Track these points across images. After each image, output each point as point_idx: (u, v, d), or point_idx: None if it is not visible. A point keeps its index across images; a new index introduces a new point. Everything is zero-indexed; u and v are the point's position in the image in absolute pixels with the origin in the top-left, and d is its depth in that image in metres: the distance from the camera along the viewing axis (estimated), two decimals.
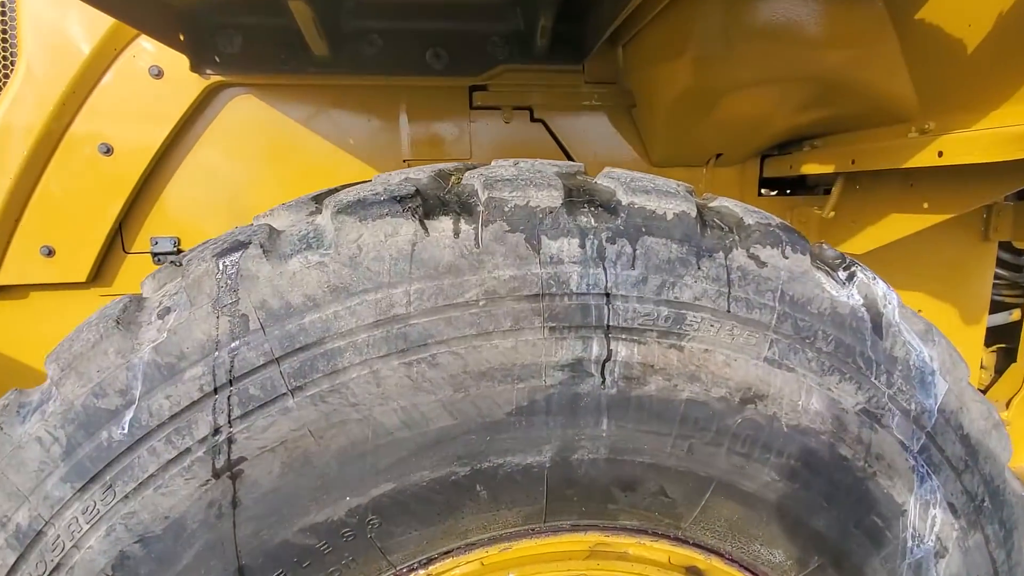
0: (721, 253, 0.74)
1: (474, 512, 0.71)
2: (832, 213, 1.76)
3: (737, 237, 0.76)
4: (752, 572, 0.83)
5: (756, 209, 0.80)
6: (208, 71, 1.44)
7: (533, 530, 0.76)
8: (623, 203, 0.73)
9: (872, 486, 0.81)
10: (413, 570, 0.73)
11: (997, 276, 2.53)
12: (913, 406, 0.82)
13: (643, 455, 0.73)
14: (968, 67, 1.14)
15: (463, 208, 0.71)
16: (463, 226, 0.69)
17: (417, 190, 0.71)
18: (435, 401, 0.67)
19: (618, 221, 0.72)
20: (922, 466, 0.83)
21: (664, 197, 0.74)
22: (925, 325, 0.86)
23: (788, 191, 1.92)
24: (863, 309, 0.80)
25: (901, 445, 0.82)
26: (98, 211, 1.45)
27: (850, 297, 0.80)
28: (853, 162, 1.42)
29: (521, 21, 1.46)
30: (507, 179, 0.72)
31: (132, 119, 1.44)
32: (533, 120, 1.61)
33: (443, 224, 0.69)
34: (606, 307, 0.70)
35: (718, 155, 1.68)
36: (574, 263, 0.70)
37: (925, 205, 1.41)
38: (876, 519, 0.82)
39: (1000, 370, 2.59)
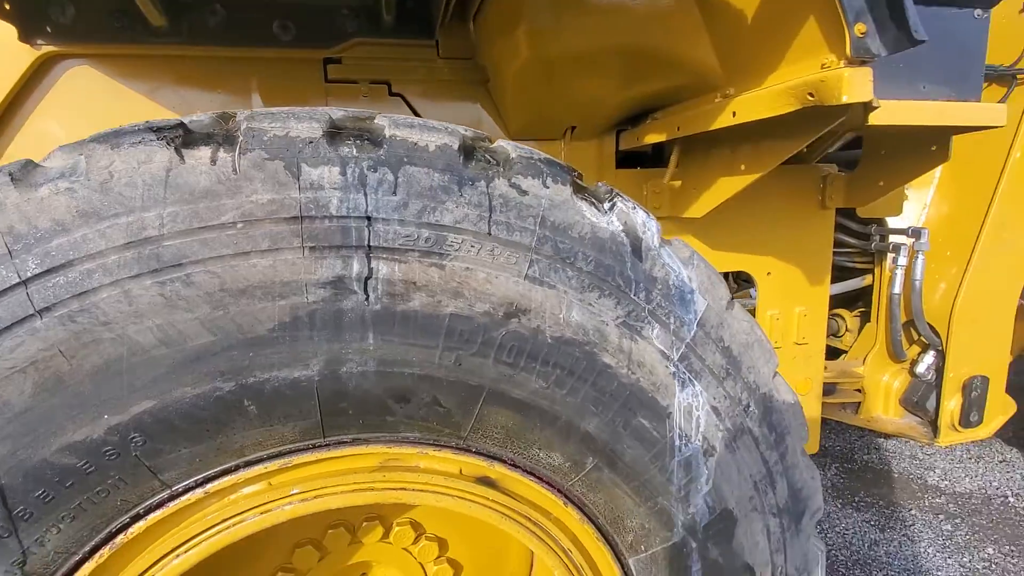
0: (483, 182, 0.82)
1: (245, 428, 0.75)
2: (678, 183, 1.92)
3: (501, 168, 0.84)
4: (536, 476, 0.91)
5: (525, 147, 0.88)
6: (39, 41, 1.40)
7: (314, 445, 0.80)
8: (387, 136, 0.79)
9: (636, 391, 0.91)
10: (190, 489, 0.76)
11: (847, 245, 2.81)
12: (672, 320, 0.93)
13: (413, 367, 0.79)
14: (754, 33, 1.28)
15: (225, 139, 0.74)
16: (221, 154, 0.73)
17: (181, 123, 0.74)
18: (193, 319, 0.70)
19: (380, 151, 0.78)
20: (683, 373, 0.94)
21: (428, 131, 0.81)
22: (689, 252, 0.97)
23: (646, 165, 2.06)
24: (623, 234, 0.90)
25: (662, 354, 0.92)
26: None
27: (610, 223, 0.89)
28: (678, 128, 1.56)
29: None
30: (271, 113, 0.76)
31: None
32: (392, 94, 1.66)
33: (201, 153, 0.73)
34: (367, 229, 0.76)
35: (573, 128, 1.79)
36: (335, 189, 0.75)
37: (742, 167, 1.56)
38: (643, 421, 0.92)
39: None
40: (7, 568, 0.70)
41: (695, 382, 0.95)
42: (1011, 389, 4.88)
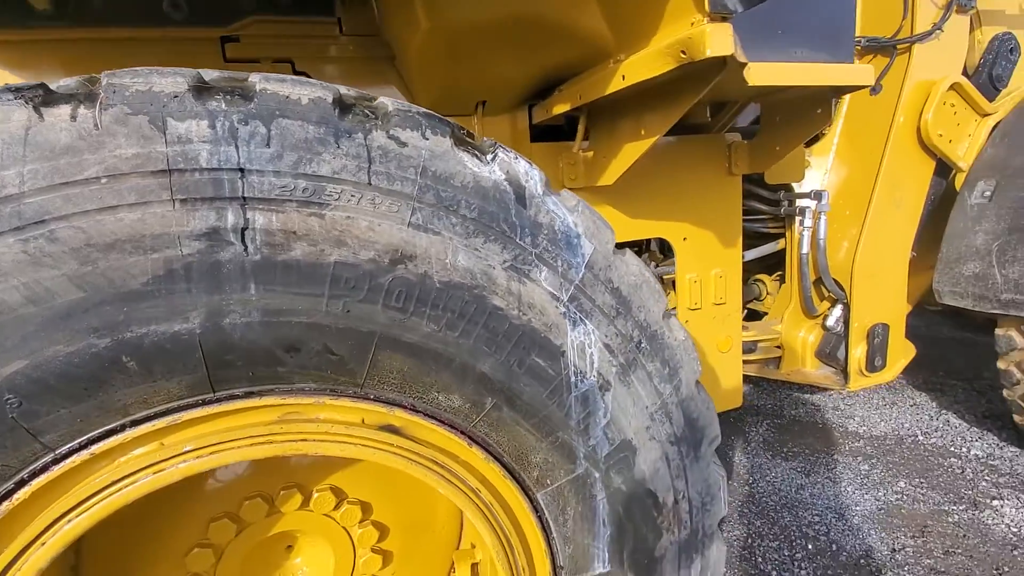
0: (361, 134, 0.84)
1: (127, 385, 0.75)
2: (590, 153, 2.00)
3: (379, 121, 0.87)
4: (438, 420, 0.95)
5: (403, 103, 0.91)
6: None
7: (205, 400, 0.80)
8: (258, 90, 0.80)
9: (528, 331, 0.96)
10: (75, 452, 0.75)
11: (760, 212, 2.98)
12: (560, 263, 0.98)
13: (299, 316, 0.81)
14: None
15: (87, 97, 0.74)
16: (82, 111, 0.72)
17: (42, 84, 0.73)
18: (60, 275, 0.70)
19: (251, 105, 0.79)
20: (574, 313, 1.00)
21: (301, 86, 0.83)
22: (575, 200, 1.03)
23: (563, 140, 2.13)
24: (505, 183, 0.94)
25: (551, 296, 0.97)
26: None
27: (492, 173, 0.93)
28: (580, 97, 1.63)
29: None
30: (133, 71, 0.76)
31: None
32: (296, 73, 1.65)
33: (61, 111, 0.72)
34: (240, 181, 0.77)
35: (483, 103, 1.83)
36: (204, 142, 0.76)
37: (643, 132, 1.65)
38: (538, 360, 0.97)
39: None
40: None
41: (586, 321, 1.01)
42: (923, 339, 5.30)
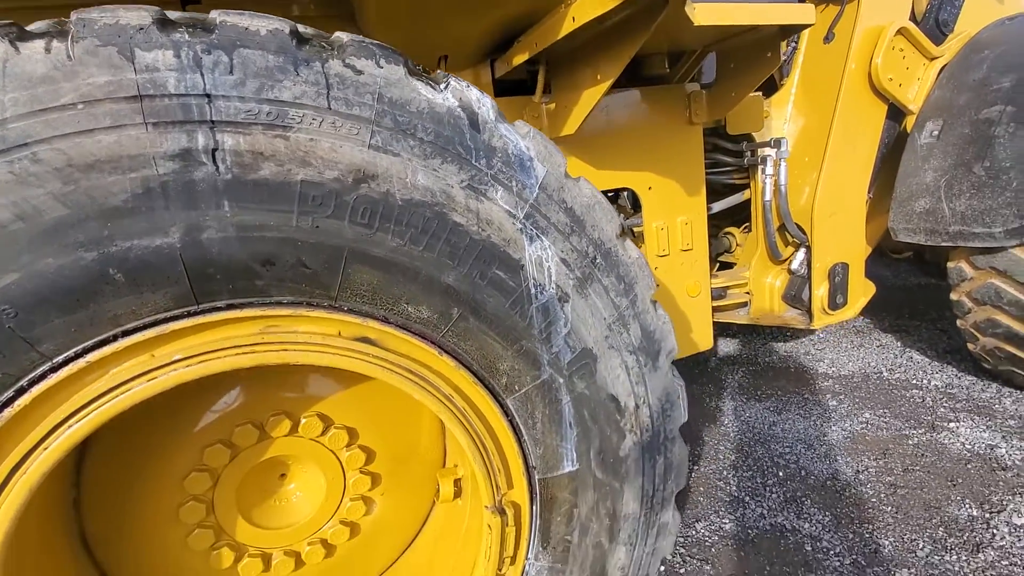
0: (318, 63, 0.91)
1: (116, 296, 0.82)
2: (552, 105, 2.06)
3: (335, 52, 0.93)
4: (410, 331, 1.03)
5: (359, 36, 0.97)
6: None
7: (190, 312, 0.87)
8: (217, 22, 0.86)
9: (488, 246, 1.04)
10: (71, 360, 0.82)
11: (725, 164, 3.08)
12: (515, 184, 1.06)
13: (272, 230, 0.88)
14: None
15: (59, 32, 0.79)
16: (55, 44, 0.78)
17: (13, 23, 0.78)
18: (45, 194, 0.76)
19: (213, 36, 0.85)
20: (530, 229, 1.08)
21: (259, 18, 0.88)
22: (527, 128, 1.10)
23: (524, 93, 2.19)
24: (459, 109, 1.01)
25: (508, 213, 1.05)
26: None
27: (446, 100, 1.00)
28: (536, 45, 1.70)
29: None
30: (100, 7, 0.81)
31: None
32: None
33: (35, 44, 0.77)
34: (208, 105, 0.83)
35: (445, 58, 1.89)
36: (170, 70, 0.82)
37: (599, 76, 1.72)
38: (499, 272, 1.06)
39: None
40: None
41: (542, 237, 1.09)
42: (891, 287, 5.48)
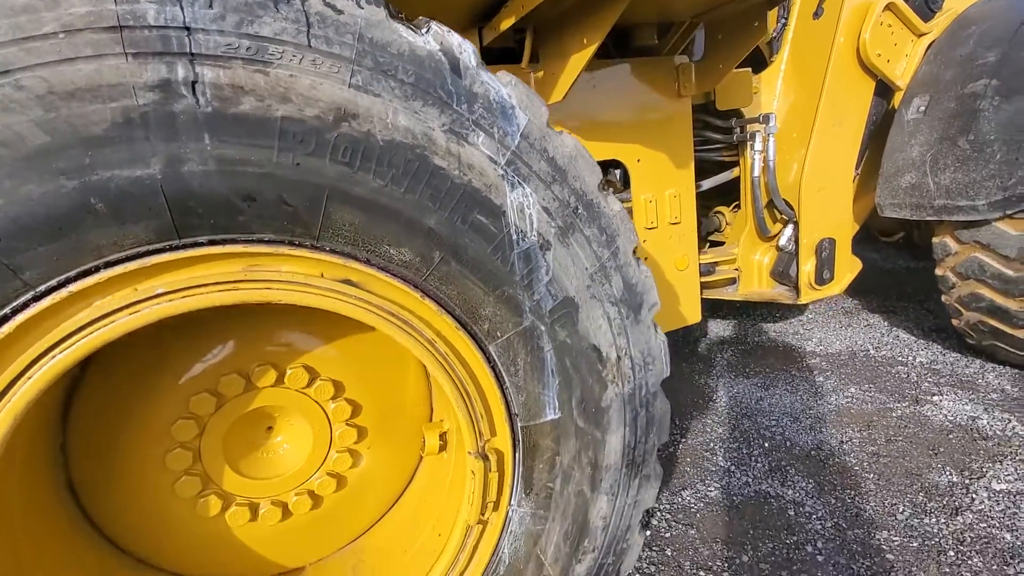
0: (298, 1, 0.91)
1: (98, 226, 0.83)
2: (540, 73, 2.07)
3: None
4: (392, 273, 1.04)
5: None
6: None
7: (172, 246, 0.88)
8: None
9: (470, 190, 1.05)
10: (54, 290, 0.83)
11: (714, 141, 3.09)
12: (496, 130, 1.07)
13: (253, 166, 0.89)
14: None
15: None
16: None
17: None
18: (27, 120, 0.77)
19: None
20: (512, 176, 1.09)
21: None
22: (509, 77, 1.11)
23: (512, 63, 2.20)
24: (440, 53, 1.02)
25: (489, 159, 1.07)
26: None
27: (427, 43, 1.01)
28: (523, 7, 1.70)
29: None
30: None
31: None
32: None
33: None
34: (187, 38, 0.83)
35: None
36: (150, 2, 0.82)
37: (584, 40, 1.73)
38: (480, 217, 1.07)
39: None
40: None
41: (524, 184, 1.11)
42: (880, 270, 5.53)
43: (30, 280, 0.81)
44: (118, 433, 1.18)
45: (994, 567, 1.83)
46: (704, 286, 3.08)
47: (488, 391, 1.17)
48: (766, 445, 2.65)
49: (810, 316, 4.34)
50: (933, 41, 2.90)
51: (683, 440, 2.76)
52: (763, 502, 2.26)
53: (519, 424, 1.21)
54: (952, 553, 1.91)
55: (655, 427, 1.40)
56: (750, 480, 2.41)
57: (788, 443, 2.65)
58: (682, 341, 4.09)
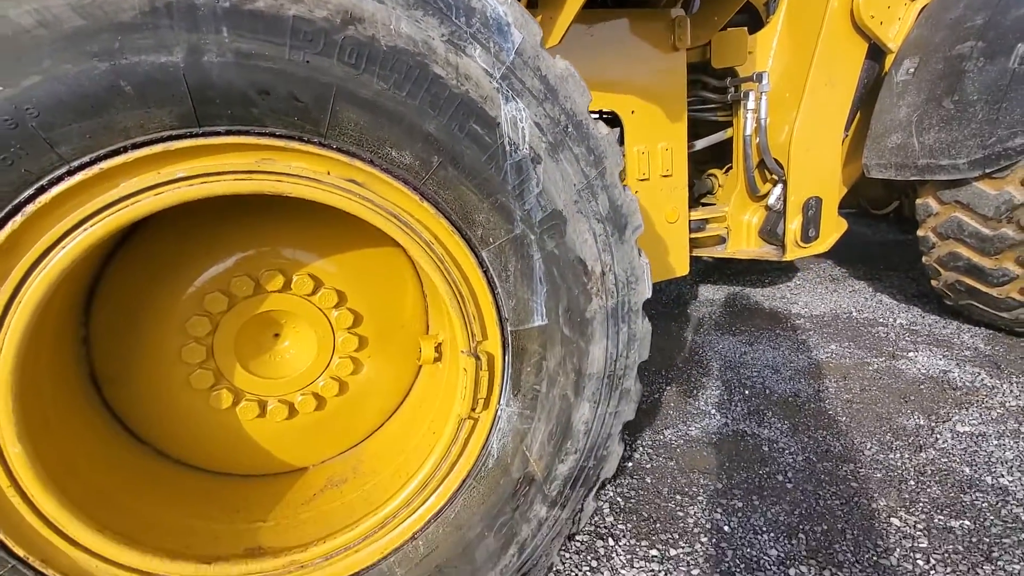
0: None
1: (126, 108, 0.90)
2: (538, 18, 2.12)
3: None
4: (394, 175, 1.13)
5: None
6: None
7: (192, 133, 0.96)
8: None
9: (467, 100, 1.13)
10: (86, 166, 0.91)
11: (710, 100, 3.15)
12: (492, 45, 1.14)
13: (267, 61, 0.97)
14: None
15: None
16: None
17: None
18: (64, 4, 0.84)
19: None
20: (506, 90, 1.17)
21: None
22: None
23: None
24: None
25: (485, 72, 1.14)
26: None
27: None
28: None
29: None
30: None
31: None
32: None
33: None
34: None
35: None
36: None
37: None
38: (476, 127, 1.15)
39: None
40: None
41: (518, 99, 1.18)
42: (869, 242, 5.61)
43: (65, 155, 0.90)
44: (137, 327, 1.27)
45: (951, 495, 1.97)
46: (694, 244, 3.17)
47: (480, 295, 1.26)
48: (746, 392, 2.77)
49: (797, 282, 4.45)
50: (926, 5, 2.94)
51: (667, 388, 2.89)
52: (740, 439, 2.39)
53: (509, 328, 1.31)
54: (913, 483, 2.04)
55: (636, 344, 1.50)
56: (729, 421, 2.53)
57: (767, 391, 2.77)
58: (670, 301, 4.20)
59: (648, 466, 2.25)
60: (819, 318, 3.67)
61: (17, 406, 0.96)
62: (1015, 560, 1.66)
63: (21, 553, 1.01)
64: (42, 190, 0.90)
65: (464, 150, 1.15)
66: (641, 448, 2.38)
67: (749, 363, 3.09)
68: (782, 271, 4.73)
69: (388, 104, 1.07)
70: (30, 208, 0.90)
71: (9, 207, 0.89)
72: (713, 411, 2.63)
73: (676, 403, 2.73)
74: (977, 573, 1.62)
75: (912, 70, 2.79)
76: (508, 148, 1.19)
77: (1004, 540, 1.74)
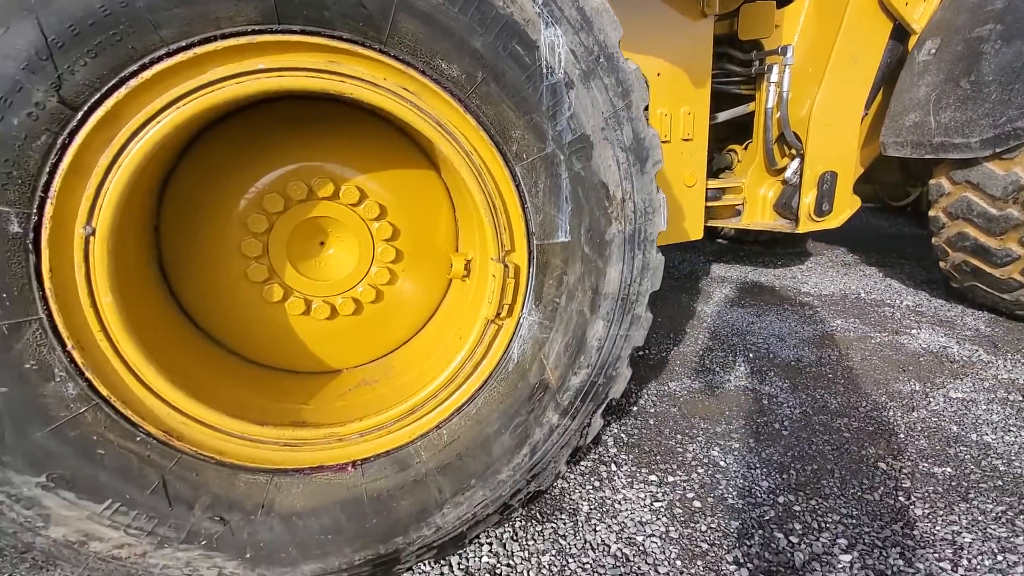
0: None
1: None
2: None
3: None
4: (442, 86, 1.25)
5: None
6: None
7: (272, 30, 1.09)
8: None
9: (512, 21, 1.24)
10: (183, 50, 1.05)
11: (735, 73, 3.23)
12: None
13: None
14: None
15: None
16: None
17: None
18: None
19: None
20: (547, 16, 1.28)
21: None
22: None
23: None
24: None
25: None
26: None
27: None
28: None
29: None
30: None
31: None
32: None
33: None
34: None
35: None
36: None
37: None
38: (518, 48, 1.27)
39: None
40: (45, 88, 0.98)
41: (556, 26, 1.30)
42: (885, 235, 5.65)
43: (165, 38, 1.03)
44: (202, 219, 1.42)
45: (937, 448, 2.07)
46: (710, 214, 3.27)
47: (512, 208, 1.39)
48: (751, 356, 2.89)
49: (809, 265, 4.52)
50: None
51: (674, 349, 3.00)
52: (741, 393, 2.51)
53: (535, 242, 1.43)
54: (903, 436, 2.15)
55: (649, 273, 1.61)
56: (732, 379, 2.65)
57: (772, 355, 2.88)
58: (682, 276, 4.30)
59: (652, 411, 2.38)
60: (828, 297, 3.75)
61: (111, 260, 1.10)
62: (989, 501, 1.77)
63: (105, 393, 1.16)
64: (144, 67, 1.04)
65: (506, 68, 1.27)
66: (646, 396, 2.51)
67: (756, 331, 3.19)
68: (795, 255, 4.81)
69: (442, 18, 1.19)
70: (134, 82, 1.03)
71: (116, 79, 1.02)
72: (717, 369, 2.75)
73: (682, 361, 2.85)
74: (953, 510, 1.74)
75: (933, 51, 2.85)
76: (545, 70, 1.31)
77: (981, 485, 1.85)
